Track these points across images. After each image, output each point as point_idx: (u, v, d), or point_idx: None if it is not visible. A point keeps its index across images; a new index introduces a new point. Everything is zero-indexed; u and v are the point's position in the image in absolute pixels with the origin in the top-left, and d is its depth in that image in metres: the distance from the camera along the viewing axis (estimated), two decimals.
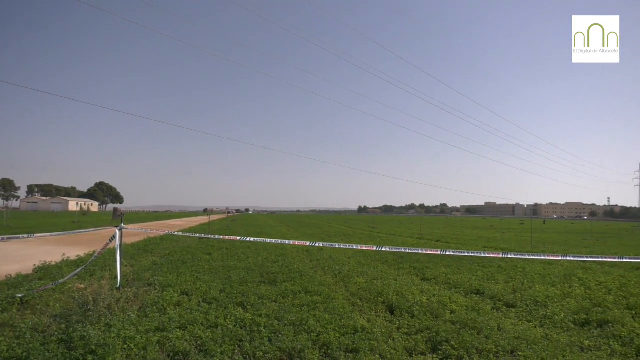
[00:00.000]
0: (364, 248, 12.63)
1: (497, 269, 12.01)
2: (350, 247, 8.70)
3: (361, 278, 10.35)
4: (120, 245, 7.92)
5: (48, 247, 16.11)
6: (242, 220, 68.40)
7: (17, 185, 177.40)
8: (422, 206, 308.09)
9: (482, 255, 11.82)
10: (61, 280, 8.37)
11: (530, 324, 6.74)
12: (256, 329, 5.89)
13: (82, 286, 7.99)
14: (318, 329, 5.88)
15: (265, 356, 4.94)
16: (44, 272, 10.10)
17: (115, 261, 7.75)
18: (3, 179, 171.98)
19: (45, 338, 5.22)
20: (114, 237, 7.89)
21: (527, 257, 10.81)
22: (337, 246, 8.86)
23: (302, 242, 8.70)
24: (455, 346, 5.35)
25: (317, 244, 8.29)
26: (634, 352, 5.38)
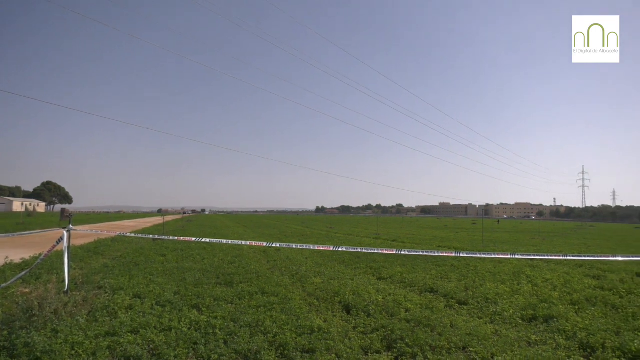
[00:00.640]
0: (321, 248, 12.68)
1: (451, 268, 12.33)
2: (308, 247, 8.72)
3: (318, 278, 10.38)
4: (69, 247, 7.60)
5: None
6: (198, 221, 67.14)
7: None
8: (378, 206, 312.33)
9: (436, 254, 12.12)
10: (3, 285, 7.93)
11: (481, 320, 6.96)
12: (211, 331, 5.80)
13: (27, 290, 7.63)
14: (274, 330, 5.86)
15: (220, 359, 4.87)
16: None
17: (63, 264, 7.42)
18: None
19: None
20: (61, 238, 7.56)
21: (479, 255, 11.14)
22: (294, 246, 8.85)
23: (259, 243, 8.63)
24: (410, 344, 5.45)
25: (274, 245, 8.26)
26: (577, 346, 5.66)
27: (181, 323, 6.14)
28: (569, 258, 13.58)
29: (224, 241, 8.59)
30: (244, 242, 8.71)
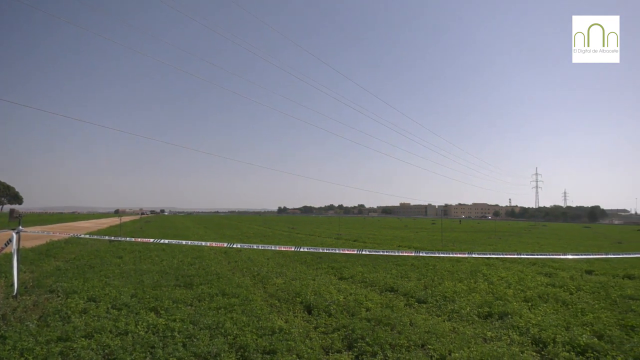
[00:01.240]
0: (283, 249, 12.62)
1: (410, 267, 12.52)
2: (269, 248, 8.67)
3: (280, 279, 10.35)
4: (18, 249, 7.29)
5: None
6: (157, 221, 65.65)
7: None
8: (340, 207, 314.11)
9: (397, 254, 12.30)
10: None
11: (440, 318, 7.12)
12: (170, 334, 5.68)
13: None
14: (235, 332, 5.80)
15: None
16: None
17: (12, 267, 7.12)
18: None
19: None
20: (10, 240, 7.24)
21: (438, 255, 11.42)
22: (255, 247, 8.78)
23: (219, 244, 8.54)
24: (370, 342, 5.51)
25: (235, 246, 8.18)
26: (530, 341, 5.88)
27: (138, 327, 5.98)
28: (522, 257, 14.08)
29: (184, 242, 8.45)
30: (204, 243, 8.59)
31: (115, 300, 7.50)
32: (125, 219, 70.14)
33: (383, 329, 6.13)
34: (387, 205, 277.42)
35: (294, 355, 5.10)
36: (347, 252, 8.05)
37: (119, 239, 11.39)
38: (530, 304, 8.17)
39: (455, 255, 13.81)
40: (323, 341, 5.70)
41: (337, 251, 8.12)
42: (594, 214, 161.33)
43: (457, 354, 5.18)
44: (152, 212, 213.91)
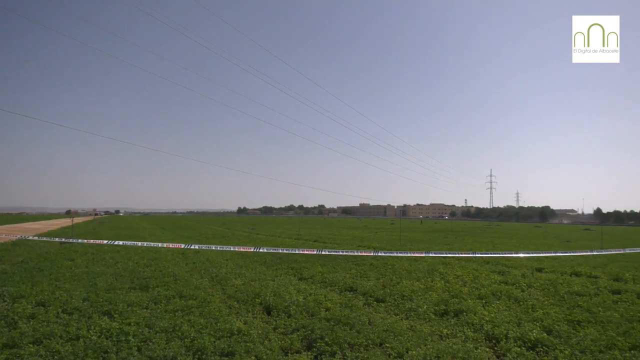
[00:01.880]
0: (242, 250, 12.55)
1: (370, 267, 12.66)
2: (228, 249, 8.60)
3: (239, 280, 10.25)
4: None
5: None
6: (111, 222, 63.68)
7: None
8: (301, 207, 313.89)
9: (356, 254, 12.41)
10: None
11: (398, 316, 7.25)
12: (124, 338, 5.51)
13: None
14: (192, 334, 5.69)
15: None
16: None
17: None
18: None
19: None
20: None
21: (396, 254, 11.60)
22: (214, 248, 8.64)
23: (177, 245, 8.39)
24: (329, 342, 5.54)
25: (193, 247, 8.04)
26: (483, 337, 6.08)
27: (90, 331, 5.78)
28: (477, 255, 14.50)
29: (140, 244, 8.25)
30: (161, 245, 8.42)
31: (66, 305, 7.23)
32: (78, 220, 67.70)
33: (342, 329, 6.18)
34: (347, 205, 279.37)
35: (253, 357, 5.06)
36: (307, 252, 8.09)
37: (71, 240, 10.99)
38: (484, 301, 8.43)
39: (413, 255, 14.07)
40: (282, 342, 5.69)
41: (297, 251, 8.14)
42: (544, 214, 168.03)
43: (414, 352, 5.28)
44: (107, 212, 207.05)
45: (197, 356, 5.03)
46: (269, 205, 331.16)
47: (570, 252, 10.66)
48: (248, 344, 5.39)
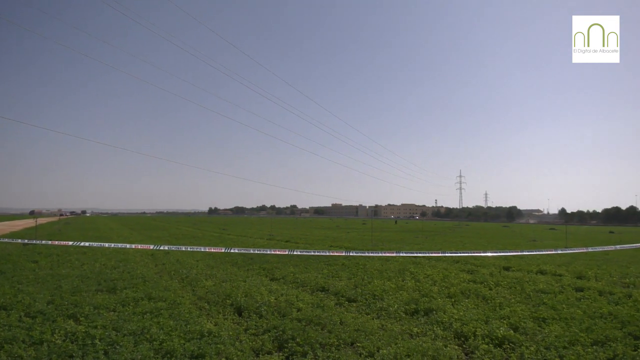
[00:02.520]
0: (213, 250, 12.41)
1: (341, 267, 12.70)
2: (199, 249, 8.49)
3: (209, 281, 10.14)
4: None
5: None
6: (77, 223, 62.00)
7: None
8: (273, 207, 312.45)
9: (328, 254, 12.44)
10: None
11: (369, 316, 7.30)
12: (90, 342, 5.38)
13: None
14: (161, 337, 5.59)
15: None
16: None
17: None
18: None
19: None
20: None
21: (368, 254, 11.68)
22: (184, 249, 8.53)
23: (145, 246, 8.24)
24: (301, 342, 5.54)
25: (162, 248, 7.91)
26: (452, 335, 6.19)
27: (55, 335, 5.62)
28: (447, 255, 14.74)
29: (107, 245, 8.06)
30: (129, 246, 8.25)
31: (29, 308, 7.02)
32: (42, 220, 65.73)
33: (314, 329, 6.19)
34: (320, 205, 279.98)
35: (223, 359, 5.03)
36: (279, 252, 8.06)
37: (35, 242, 10.65)
38: (453, 299, 8.58)
39: (384, 255, 14.20)
40: (253, 343, 5.66)
41: (268, 252, 8.11)
42: (512, 213, 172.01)
43: (385, 351, 5.33)
44: (73, 213, 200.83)
45: (166, 359, 4.95)
46: (240, 205, 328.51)
47: (536, 251, 10.98)
48: (219, 346, 5.34)
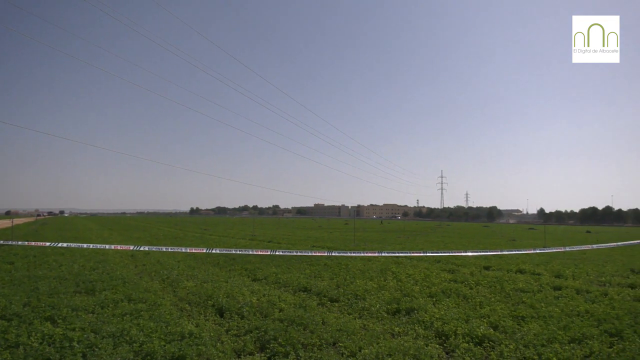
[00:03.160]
0: (195, 251, 12.31)
1: (324, 267, 12.71)
2: (180, 250, 8.41)
3: (191, 282, 10.05)
4: None
5: None
6: (55, 223, 60.95)
7: None
8: (255, 207, 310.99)
9: (310, 254, 12.43)
10: None
11: (351, 316, 7.32)
12: (68, 344, 5.27)
13: None
14: (141, 339, 5.52)
15: None
16: None
17: None
18: None
19: None
20: None
21: (350, 254, 11.71)
22: (165, 250, 8.44)
23: (125, 247, 8.12)
24: (283, 343, 5.52)
25: (143, 248, 7.81)
26: (434, 334, 6.25)
27: (31, 338, 5.50)
28: (428, 255, 14.86)
29: (85, 245, 7.92)
30: (108, 246, 8.12)
31: (5, 310, 6.87)
32: (18, 221, 64.40)
33: (296, 329, 6.18)
34: (302, 206, 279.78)
35: None
36: (261, 253, 8.03)
37: (10, 242, 10.41)
38: (434, 299, 8.65)
39: (366, 255, 14.26)
40: (235, 344, 5.63)
41: (250, 252, 8.06)
42: (492, 214, 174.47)
43: (366, 350, 5.35)
44: (50, 213, 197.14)
45: None
46: (222, 205, 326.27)
47: (515, 251, 11.17)
48: (200, 347, 5.29)
